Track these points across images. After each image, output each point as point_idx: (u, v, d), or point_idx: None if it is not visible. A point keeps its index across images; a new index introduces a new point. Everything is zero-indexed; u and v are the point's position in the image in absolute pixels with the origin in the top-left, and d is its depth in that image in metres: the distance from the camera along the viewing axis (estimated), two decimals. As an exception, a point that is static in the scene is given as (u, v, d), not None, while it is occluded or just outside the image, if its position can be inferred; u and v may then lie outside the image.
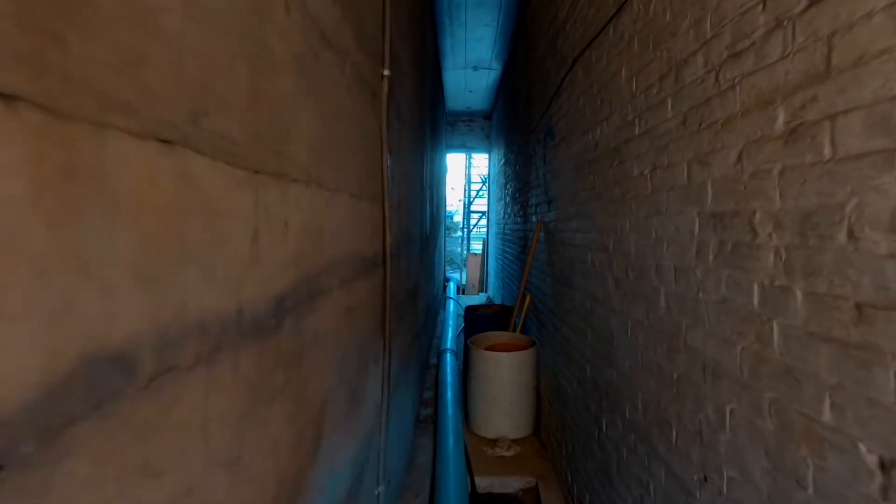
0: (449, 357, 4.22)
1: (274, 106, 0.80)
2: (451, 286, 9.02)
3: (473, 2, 4.70)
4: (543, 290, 3.46)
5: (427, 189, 4.26)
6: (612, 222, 1.96)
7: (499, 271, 7.27)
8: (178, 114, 0.52)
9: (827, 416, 0.82)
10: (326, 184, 1.11)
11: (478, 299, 8.32)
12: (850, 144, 0.78)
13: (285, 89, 0.85)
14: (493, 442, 3.32)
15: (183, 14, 0.53)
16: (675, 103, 1.40)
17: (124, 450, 0.45)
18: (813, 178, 0.86)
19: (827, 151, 0.83)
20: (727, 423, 1.13)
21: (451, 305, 6.71)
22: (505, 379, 3.40)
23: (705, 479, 1.22)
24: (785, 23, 0.93)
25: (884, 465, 0.72)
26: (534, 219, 3.95)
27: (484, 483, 2.91)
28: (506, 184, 6.23)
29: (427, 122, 4.33)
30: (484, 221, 12.05)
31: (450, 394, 3.45)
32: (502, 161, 6.77)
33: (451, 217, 16.58)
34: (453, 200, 16.45)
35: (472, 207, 13.06)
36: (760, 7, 1.01)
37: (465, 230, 13.04)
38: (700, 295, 1.26)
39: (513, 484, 2.94)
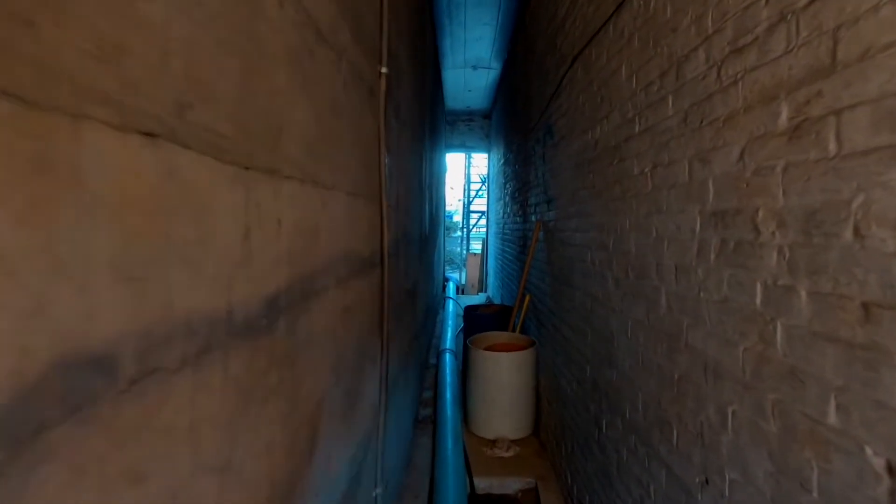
0: (448, 357, 4.20)
1: (266, 101, 0.78)
2: (451, 286, 9.00)
3: (473, 1, 4.69)
4: (543, 290, 3.44)
5: (426, 188, 4.24)
6: (612, 221, 1.94)
7: (498, 271, 7.25)
8: (163, 106, 0.50)
9: (832, 417, 0.81)
10: (322, 182, 1.09)
11: (477, 299, 8.31)
12: (856, 140, 0.76)
13: (278, 85, 0.83)
14: (493, 442, 3.30)
15: (167, 3, 0.51)
16: (676, 100, 1.38)
17: (104, 455, 0.43)
18: (817, 175, 0.84)
19: (832, 147, 0.81)
20: (729, 424, 1.12)
21: (451, 305, 6.69)
22: (504, 379, 3.38)
23: (707, 481, 1.21)
24: (789, 17, 0.91)
25: (891, 469, 0.70)
26: (533, 218, 3.93)
27: (483, 484, 2.89)
28: (505, 183, 6.21)
29: (426, 121, 4.31)
30: (483, 221, 12.03)
31: (449, 394, 3.43)
32: (502, 160, 6.76)
33: (451, 217, 16.57)
34: (453, 200, 16.44)
35: (472, 207, 13.04)
36: (763, 1, 0.99)
37: (465, 230, 13.02)
38: (701, 294, 1.24)
39: (512, 485, 2.92)
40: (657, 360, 1.51)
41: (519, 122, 4.88)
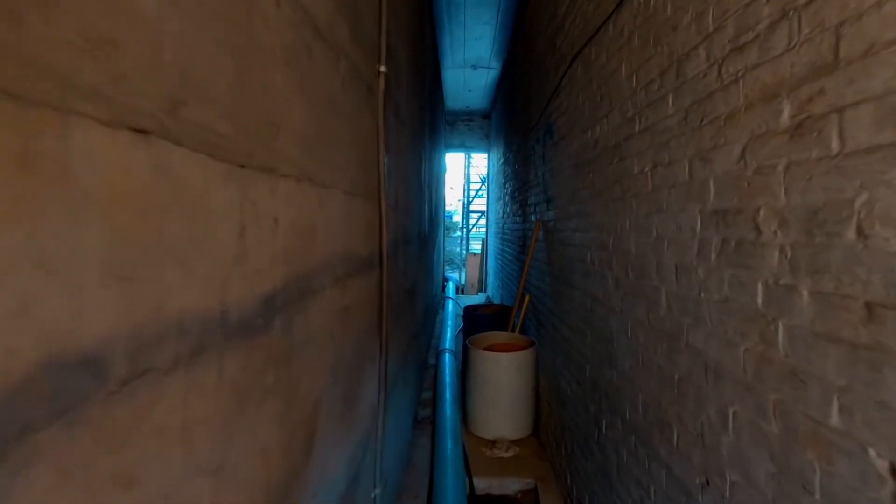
0: (448, 357, 4.19)
1: (262, 99, 0.77)
2: (450, 286, 9.00)
3: (472, 0, 4.68)
4: (542, 290, 3.43)
5: (426, 188, 4.23)
6: (611, 221, 1.93)
7: (498, 271, 7.24)
8: (155, 102, 0.49)
9: (835, 419, 0.80)
10: (319, 180, 1.08)
11: (477, 299, 8.30)
12: (860, 138, 0.75)
13: (275, 82, 0.82)
14: (492, 443, 3.29)
15: (160, -2, 0.50)
16: (677, 99, 1.37)
17: (93, 457, 0.42)
18: (820, 174, 0.83)
19: (835, 145, 0.80)
20: (730, 425, 1.11)
21: (450, 305, 6.69)
22: (504, 379, 3.37)
23: (707, 482, 1.20)
24: (790, 13, 0.91)
25: (894, 471, 0.69)
26: (533, 218, 3.92)
27: (482, 484, 2.88)
28: (505, 183, 6.20)
29: (426, 121, 4.30)
30: (483, 221, 12.02)
31: (448, 394, 3.42)
32: (501, 160, 6.75)
33: (451, 217, 16.56)
34: (452, 200, 16.42)
35: (472, 207, 13.03)
36: (765, -2, 0.98)
37: (465, 230, 13.02)
38: (702, 294, 1.23)
39: (511, 485, 2.91)
40: (657, 360, 1.50)
41: (518, 121, 4.88)
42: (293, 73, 0.90)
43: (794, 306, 0.90)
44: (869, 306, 0.74)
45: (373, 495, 1.78)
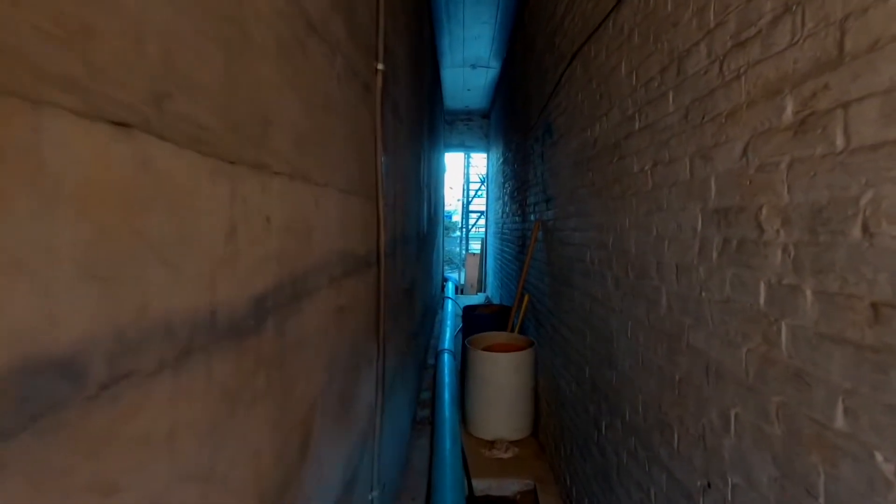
0: (447, 357, 4.18)
1: (253, 94, 0.75)
2: (450, 286, 8.98)
3: (471, -1, 4.66)
4: (542, 290, 3.41)
5: (424, 188, 4.21)
6: (611, 220, 1.91)
7: (497, 271, 7.23)
8: (137, 94, 0.47)
9: (840, 422, 0.78)
10: (314, 178, 1.06)
11: (476, 299, 8.28)
12: (865, 134, 0.74)
13: (266, 77, 0.80)
14: (491, 444, 3.28)
15: (142, -15, 0.48)
16: (677, 96, 1.36)
17: (70, 466, 0.40)
18: (824, 171, 0.82)
19: (839, 142, 0.79)
20: (732, 427, 1.09)
21: (450, 305, 6.67)
22: (503, 380, 3.35)
23: (709, 485, 1.18)
24: (794, 8, 0.89)
25: (902, 476, 0.67)
26: (532, 217, 3.91)
27: (481, 485, 2.86)
28: (504, 183, 6.18)
29: (424, 120, 4.28)
30: (482, 221, 12.01)
31: (447, 395, 3.40)
32: (501, 160, 6.73)
33: (450, 217, 16.54)
34: (452, 200, 16.41)
35: (471, 207, 13.01)
36: (767, -7, 0.97)
37: (464, 230, 13.00)
38: (703, 294, 1.21)
39: (510, 487, 2.90)
40: (657, 361, 1.48)
41: (518, 121, 4.86)
42: (286, 68, 0.88)
43: (797, 306, 0.88)
44: (875, 306, 0.72)
45: (370, 497, 1.76)
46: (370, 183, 1.68)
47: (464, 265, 11.24)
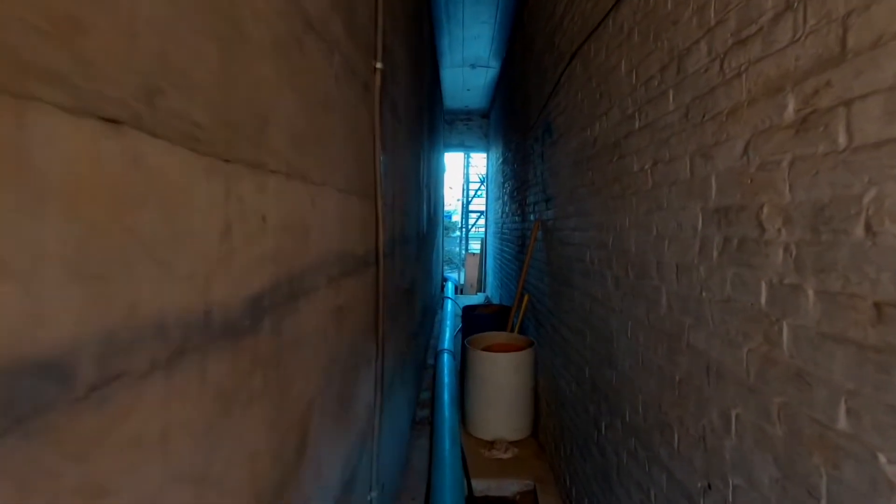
0: (446, 358, 4.17)
1: (249, 92, 0.74)
2: (450, 286, 8.97)
3: (471, -2, 4.65)
4: (542, 290, 3.40)
5: (424, 187, 4.21)
6: (611, 219, 1.90)
7: (497, 271, 7.22)
8: (128, 90, 0.46)
9: (842, 422, 0.77)
10: (312, 177, 1.05)
11: (476, 299, 8.27)
12: (868, 131, 0.73)
13: (263, 75, 0.79)
14: (491, 444, 3.27)
15: (133, -21, 0.47)
16: (677, 95, 1.35)
17: (57, 469, 0.40)
18: (826, 169, 0.81)
19: (842, 140, 0.78)
20: (733, 428, 1.08)
21: (449, 305, 6.66)
22: (502, 380, 3.35)
23: (709, 486, 1.17)
24: (795, 5, 0.88)
25: (906, 477, 0.66)
26: (532, 217, 3.90)
27: (481, 486, 2.85)
28: (504, 182, 6.18)
29: (424, 120, 4.27)
30: (482, 221, 12.00)
31: (447, 395, 3.40)
32: (500, 160, 6.72)
33: (450, 217, 16.53)
34: (451, 200, 16.40)
35: (471, 207, 13.00)
36: (768, -10, 0.96)
37: (464, 230, 12.99)
38: (703, 294, 1.21)
39: (510, 487, 2.89)
40: (658, 361, 1.47)
41: (517, 120, 4.85)
42: (283, 66, 0.88)
43: (799, 306, 0.87)
44: (878, 306, 0.71)
45: (369, 497, 1.75)
46: (369, 182, 1.67)
47: (463, 265, 11.23)
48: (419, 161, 3.76)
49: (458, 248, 13.64)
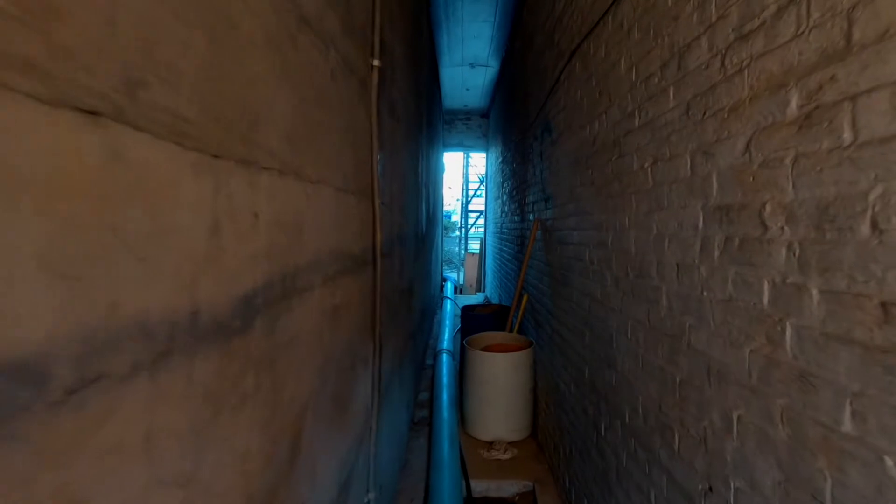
0: (445, 358, 4.15)
1: (240, 86, 0.72)
2: (449, 286, 8.95)
3: (470, -3, 4.63)
4: (541, 290, 3.38)
5: (423, 187, 4.19)
6: (611, 218, 1.89)
7: (496, 271, 7.20)
8: (108, 81, 0.44)
9: (847, 425, 0.75)
10: (306, 175, 1.03)
11: (475, 299, 8.26)
12: (874, 127, 0.71)
13: (255, 70, 0.78)
14: (490, 445, 3.25)
15: (114, -34, 0.45)
16: (678, 92, 1.33)
17: (32, 475, 0.38)
18: (831, 166, 0.79)
19: (847, 136, 0.76)
20: (734, 430, 1.06)
21: (448, 305, 6.65)
22: (501, 380, 3.33)
23: (710, 489, 1.15)
24: (799, -2, 0.86)
25: (913, 482, 0.65)
26: (531, 217, 3.88)
27: (480, 487, 2.84)
28: (503, 182, 6.16)
29: (423, 119, 4.26)
30: (481, 221, 11.98)
31: (445, 395, 3.38)
32: (500, 159, 6.70)
33: (449, 217, 16.52)
34: (451, 200, 16.38)
35: (470, 207, 12.99)
36: (771, -17, 0.94)
37: (463, 230, 12.97)
38: (704, 294, 1.19)
39: (509, 488, 2.87)
40: (658, 362, 1.45)
41: (517, 120, 4.83)
42: (276, 62, 0.86)
43: (802, 306, 0.86)
44: (885, 306, 0.69)
45: (367, 499, 1.73)
46: (366, 181, 1.65)
47: (463, 265, 11.21)
48: (418, 160, 3.74)
49: (457, 248, 13.63)
